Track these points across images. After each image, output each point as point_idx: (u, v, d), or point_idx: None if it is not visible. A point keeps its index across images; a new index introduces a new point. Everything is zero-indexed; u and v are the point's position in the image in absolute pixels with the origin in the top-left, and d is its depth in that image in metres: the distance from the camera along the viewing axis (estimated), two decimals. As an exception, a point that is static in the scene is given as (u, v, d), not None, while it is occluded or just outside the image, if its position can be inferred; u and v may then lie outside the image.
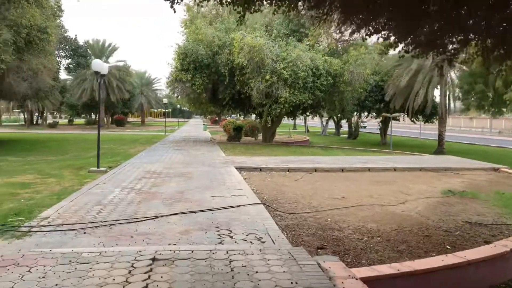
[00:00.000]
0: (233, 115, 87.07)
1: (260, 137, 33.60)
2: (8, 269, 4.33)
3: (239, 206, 8.25)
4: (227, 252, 5.09)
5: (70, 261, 4.62)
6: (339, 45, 28.98)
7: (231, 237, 6.18)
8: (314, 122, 76.31)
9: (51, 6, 22.85)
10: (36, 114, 58.31)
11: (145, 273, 4.30)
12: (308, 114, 33.09)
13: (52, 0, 23.98)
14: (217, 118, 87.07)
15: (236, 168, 14.65)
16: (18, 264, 4.49)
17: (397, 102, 31.40)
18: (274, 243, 5.68)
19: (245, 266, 4.61)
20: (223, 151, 21.30)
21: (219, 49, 25.05)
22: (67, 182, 11.16)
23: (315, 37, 27.49)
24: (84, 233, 6.17)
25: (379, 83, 33.37)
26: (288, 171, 14.95)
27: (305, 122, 60.88)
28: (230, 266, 4.55)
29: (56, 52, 29.87)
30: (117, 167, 14.56)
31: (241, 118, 76.19)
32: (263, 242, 5.86)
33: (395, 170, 15.78)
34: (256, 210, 8.07)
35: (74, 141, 28.57)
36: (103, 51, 49.14)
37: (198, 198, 8.97)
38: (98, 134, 13.92)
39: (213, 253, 5.02)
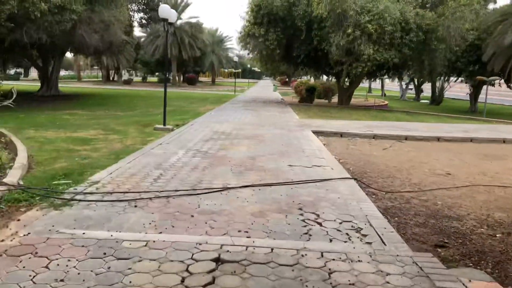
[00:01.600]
0: (303, 77, 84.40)
1: (334, 99, 31.33)
2: (20, 262, 3.14)
3: (325, 180, 6.61)
4: (321, 255, 3.53)
5: (104, 253, 3.34)
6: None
7: (320, 224, 4.60)
8: (389, 86, 70.93)
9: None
10: (112, 71, 60.02)
11: (203, 287, 2.87)
12: (391, 74, 29.88)
13: None
14: (287, 79, 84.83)
15: (313, 132, 12.94)
16: (36, 253, 3.29)
17: (497, 64, 27.14)
18: (385, 243, 4.00)
19: (353, 285, 3.02)
20: (295, 113, 19.59)
21: (297, 0, 22.79)
22: (130, 140, 10.19)
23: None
24: (135, 206, 4.93)
25: (475, 42, 29.10)
26: (373, 138, 12.98)
27: (382, 85, 56.78)
28: (331, 285, 2.99)
29: (129, 6, 29.28)
30: (184, 125, 13.50)
31: (312, 80, 73.35)
32: (365, 236, 4.23)
33: (504, 142, 13.15)
34: (346, 186, 6.40)
35: (145, 97, 28.35)
36: (176, 6, 48.30)
37: (273, 167, 7.46)
38: (165, 90, 12.82)
39: (302, 255, 3.50)
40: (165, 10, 11.58)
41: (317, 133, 12.99)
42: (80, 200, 5.01)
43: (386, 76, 31.67)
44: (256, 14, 23.45)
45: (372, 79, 34.97)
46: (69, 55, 52.25)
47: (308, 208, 5.18)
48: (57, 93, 27.84)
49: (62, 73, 72.06)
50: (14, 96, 20.05)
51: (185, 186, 5.90)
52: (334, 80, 46.25)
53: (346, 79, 23.59)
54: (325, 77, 73.55)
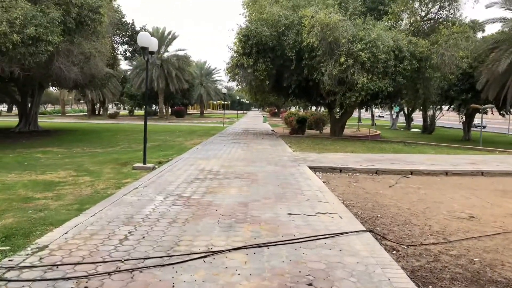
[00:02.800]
0: (292, 107, 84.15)
1: (326, 130, 30.43)
2: None
3: (335, 235, 5.33)
4: None
5: None
6: (425, 24, 24.88)
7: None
8: (368, 115, 69.84)
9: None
10: (98, 105, 58.85)
11: None
12: (383, 104, 29.16)
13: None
14: (276, 110, 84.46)
15: (310, 168, 11.74)
16: None
17: (491, 91, 26.61)
18: None
19: None
20: (288, 146, 18.45)
21: (286, 30, 22.11)
22: (102, 183, 8.85)
23: (396, 14, 23.78)
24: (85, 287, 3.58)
25: (467, 70, 28.68)
26: (376, 173, 11.81)
27: (372, 115, 56.50)
28: None
29: (112, 38, 28.40)
30: (167, 163, 12.20)
31: (301, 110, 73.08)
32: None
33: (517, 175, 12.09)
34: (362, 242, 5.13)
35: (128, 131, 27.06)
36: (163, 39, 47.91)
37: (270, 217, 6.17)
38: (145, 124, 11.60)
39: None
40: (144, 39, 10.51)
41: (314, 168, 11.80)
42: (9, 280, 3.65)
43: (376, 106, 30.93)
44: (245, 44, 22.65)
45: (364, 109, 34.15)
46: (54, 89, 51.11)
47: (320, 281, 3.88)
48: (36, 129, 26.44)
49: (48, 107, 70.84)
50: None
51: (158, 250, 4.57)
52: (324, 110, 45.68)
53: (339, 109, 22.66)
54: (313, 108, 73.46)
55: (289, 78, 23.59)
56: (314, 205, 7.01)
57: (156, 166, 11.51)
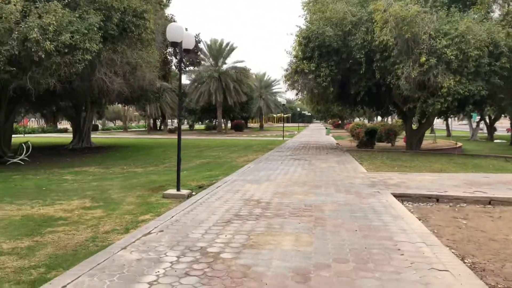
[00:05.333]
0: (356, 118, 79.88)
1: (397, 143, 26.76)
2: None
3: None
4: None
5: None
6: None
7: None
8: (440, 125, 63.02)
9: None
10: (159, 120, 58.88)
11: None
12: (467, 111, 24.89)
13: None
14: (339, 122, 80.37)
15: (395, 196, 8.68)
16: None
17: None
18: None
19: None
20: (359, 163, 15.34)
21: (353, 28, 19.11)
22: (111, 222, 6.52)
23: (486, 4, 19.87)
24: None
25: None
26: (489, 203, 8.49)
27: (447, 124, 50.90)
28: None
29: (167, 50, 27.02)
30: (208, 188, 9.74)
31: (366, 121, 68.85)
32: None
33: None
34: None
35: (183, 147, 25.22)
36: (221, 51, 46.54)
37: (351, 310, 3.35)
38: (179, 139, 9.23)
39: None
40: (174, 32, 8.18)
41: (400, 197, 8.73)
42: None
43: (465, 114, 26.55)
44: (305, 47, 19.98)
45: (443, 118, 29.75)
46: (119, 105, 51.69)
47: None
48: (88, 145, 25.53)
49: (111, 124, 72.73)
50: (27, 153, 17.71)
51: None
52: (395, 120, 41.43)
53: (415, 119, 19.15)
54: (379, 118, 68.67)
55: (357, 84, 20.45)
56: (426, 279, 4.06)
57: (194, 193, 9.09)
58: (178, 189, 8.92)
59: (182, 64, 34.59)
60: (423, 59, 16.73)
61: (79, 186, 10.46)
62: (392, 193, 8.90)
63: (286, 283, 3.88)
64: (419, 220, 6.83)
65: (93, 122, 60.70)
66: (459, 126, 69.93)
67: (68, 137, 33.98)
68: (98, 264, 4.36)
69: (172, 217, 6.58)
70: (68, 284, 3.82)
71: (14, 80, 14.03)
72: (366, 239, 5.35)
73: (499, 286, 4.23)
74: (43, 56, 13.26)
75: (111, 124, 74.78)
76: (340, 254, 4.73)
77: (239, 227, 5.95)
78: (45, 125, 54.27)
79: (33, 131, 47.87)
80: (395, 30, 16.69)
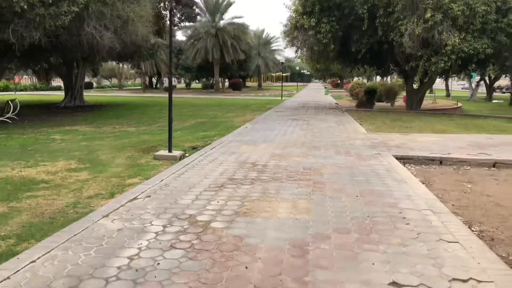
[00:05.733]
0: (356, 78, 78.63)
1: (397, 103, 26.23)
2: None
3: None
4: None
5: None
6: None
7: None
8: (439, 85, 61.45)
9: None
10: (155, 78, 57.65)
11: None
12: (472, 70, 24.13)
13: None
14: (339, 81, 79.11)
15: (397, 158, 8.29)
16: None
17: None
18: None
19: None
20: (359, 123, 14.90)
21: (356, -19, 18.08)
22: (96, 185, 6.11)
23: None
24: None
25: None
26: (494, 166, 8.13)
27: (446, 84, 49.87)
28: None
29: (159, 5, 25.74)
30: (202, 149, 9.30)
31: (366, 81, 67.71)
32: None
33: None
34: None
35: (177, 106, 24.47)
36: (217, 6, 44.74)
37: (355, 290, 2.99)
38: (170, 99, 8.68)
39: None
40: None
41: (402, 159, 8.34)
42: None
43: (466, 73, 25.88)
44: (305, 1, 19.01)
45: (443, 77, 28.93)
46: (113, 63, 50.33)
47: None
48: (81, 104, 24.83)
49: (106, 82, 71.35)
50: (14, 111, 17.09)
51: None
52: (395, 79, 40.55)
53: (420, 78, 18.50)
54: (378, 78, 67.46)
55: (359, 41, 19.65)
56: (436, 252, 3.69)
57: (187, 154, 8.67)
58: (170, 150, 8.47)
59: (177, 19, 33.15)
60: (428, 15, 15.92)
61: (66, 146, 9.99)
62: (393, 155, 8.49)
63: (281, 257, 3.50)
64: (423, 184, 6.46)
65: (88, 80, 59.50)
66: (456, 86, 68.79)
67: (60, 95, 33.16)
68: (75, 235, 3.96)
69: (162, 180, 6.16)
70: (38, 258, 3.43)
71: (-4, 33, 13.22)
72: (369, 206, 4.96)
73: (510, 257, 3.88)
74: (25, 7, 12.43)
75: (106, 82, 73.36)
76: (340, 224, 4.34)
77: (232, 192, 5.54)
78: (37, 83, 53.07)
79: (25, 89, 46.84)
80: (401, -18, 15.75)
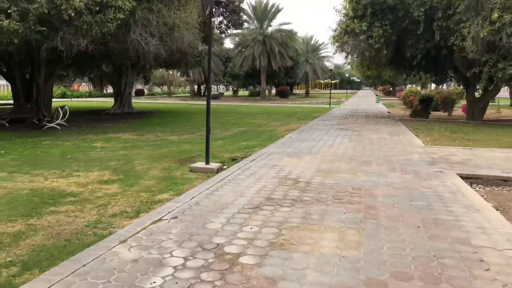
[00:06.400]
0: (408, 85, 75.49)
1: (455, 112, 24.45)
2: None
3: None
4: None
5: None
6: None
7: None
8: (505, 93, 57.08)
9: None
10: (203, 86, 58.26)
11: None
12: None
13: None
14: (390, 89, 76.26)
15: (462, 177, 7.21)
16: None
17: None
18: None
19: None
20: (414, 134, 13.72)
21: (412, -19, 16.88)
22: (123, 201, 5.64)
23: None
24: None
25: None
26: None
27: (511, 92, 46.43)
28: None
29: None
30: (241, 160, 8.69)
31: (419, 88, 64.74)
32: None
33: None
34: None
35: (222, 114, 24.27)
36: (266, 13, 44.39)
37: None
38: (208, 109, 8.17)
39: None
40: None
41: (469, 179, 7.25)
42: None
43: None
44: (356, 4, 18.05)
45: (510, 84, 26.68)
46: (163, 70, 51.37)
47: None
48: (129, 110, 25.19)
49: (158, 89, 73.11)
50: (64, 117, 17.39)
51: None
52: (454, 87, 38.12)
53: (484, 86, 16.91)
54: (433, 85, 64.12)
55: (414, 46, 18.38)
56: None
57: (225, 166, 8.09)
58: (207, 162, 7.92)
59: (224, 26, 33.04)
60: (495, 15, 14.46)
61: (105, 155, 9.74)
62: (458, 174, 7.42)
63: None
64: (497, 210, 5.43)
65: (140, 87, 61.18)
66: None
67: (112, 101, 34.11)
68: (84, 265, 3.42)
69: (193, 198, 5.58)
70: None
71: (46, 40, 13.40)
72: (434, 241, 4.07)
73: None
74: (72, 14, 12.49)
75: (158, 89, 75.17)
76: (399, 266, 3.51)
77: (269, 215, 4.83)
78: (92, 90, 55.21)
79: (80, 96, 48.77)
80: (463, -19, 14.44)
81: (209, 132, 8.16)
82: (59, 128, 15.70)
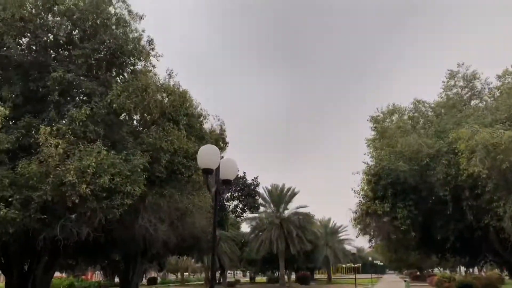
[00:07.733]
0: (436, 269, 70.66)
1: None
2: None
3: None
4: None
5: None
6: None
7: None
8: None
9: (208, 132, 18.73)
10: (219, 272, 55.33)
11: None
12: None
13: (215, 126, 19.79)
14: (418, 273, 71.22)
15: None
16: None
17: None
18: None
19: None
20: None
21: (431, 161, 16.49)
22: None
23: None
24: None
25: None
26: None
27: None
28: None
29: (222, 196, 25.57)
30: None
31: (448, 272, 60.27)
32: None
33: None
34: None
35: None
36: (282, 196, 44.70)
37: None
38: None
39: None
40: (206, 155, 6.16)
41: None
42: None
43: None
44: (375, 185, 17.43)
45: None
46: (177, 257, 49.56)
47: None
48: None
49: (172, 276, 69.76)
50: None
51: None
52: (492, 271, 34.81)
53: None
54: (463, 269, 59.65)
55: (444, 227, 16.95)
56: None
57: None
58: None
59: (239, 209, 32.65)
60: (530, 193, 13.36)
61: None
62: None
63: None
64: None
65: (154, 275, 58.19)
66: None
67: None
68: None
69: None
70: None
71: (46, 229, 12.48)
72: None
73: None
74: (76, 201, 11.82)
75: (172, 277, 71.67)
76: None
77: None
78: (102, 279, 52.46)
79: (89, 286, 46.02)
80: (487, 160, 13.85)
81: None
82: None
